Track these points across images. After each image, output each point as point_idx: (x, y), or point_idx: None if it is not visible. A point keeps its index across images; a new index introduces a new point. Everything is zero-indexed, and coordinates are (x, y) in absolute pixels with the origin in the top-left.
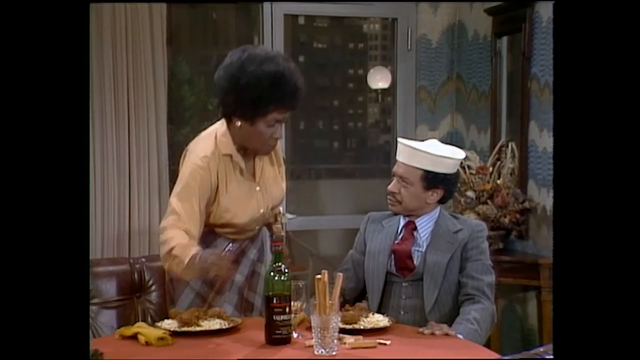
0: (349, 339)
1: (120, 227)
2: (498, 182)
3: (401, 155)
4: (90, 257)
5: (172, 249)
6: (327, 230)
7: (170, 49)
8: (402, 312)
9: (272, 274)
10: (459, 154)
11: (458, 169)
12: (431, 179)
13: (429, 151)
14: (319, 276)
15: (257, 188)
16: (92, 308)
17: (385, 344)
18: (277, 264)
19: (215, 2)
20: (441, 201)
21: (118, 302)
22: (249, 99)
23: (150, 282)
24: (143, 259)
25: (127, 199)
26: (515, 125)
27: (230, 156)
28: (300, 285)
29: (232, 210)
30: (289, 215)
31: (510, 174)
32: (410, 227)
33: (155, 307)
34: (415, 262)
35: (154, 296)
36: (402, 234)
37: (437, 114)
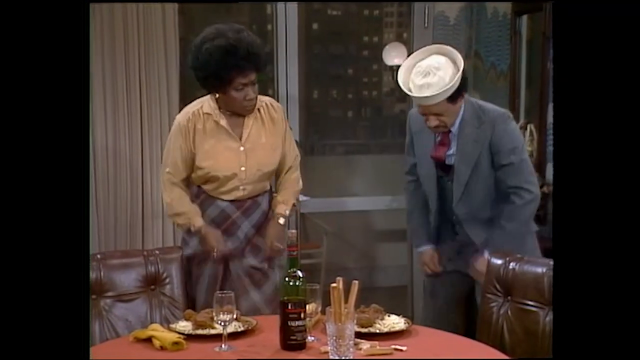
0: (365, 345)
1: (132, 209)
2: None
3: (425, 100)
4: (104, 243)
5: (176, 212)
6: (342, 212)
7: (182, 45)
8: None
9: (287, 279)
10: (459, 59)
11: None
12: (454, 94)
13: (443, 87)
14: (334, 285)
15: (241, 148)
16: (106, 301)
17: (401, 350)
18: (292, 270)
19: (217, 2)
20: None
21: (132, 295)
22: (210, 72)
23: (165, 275)
24: (157, 251)
25: (140, 186)
26: (534, 106)
27: (210, 115)
28: (315, 288)
29: (210, 161)
30: (302, 197)
31: (529, 157)
32: (447, 132)
33: (170, 299)
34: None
35: (168, 289)
36: (439, 137)
37: None
